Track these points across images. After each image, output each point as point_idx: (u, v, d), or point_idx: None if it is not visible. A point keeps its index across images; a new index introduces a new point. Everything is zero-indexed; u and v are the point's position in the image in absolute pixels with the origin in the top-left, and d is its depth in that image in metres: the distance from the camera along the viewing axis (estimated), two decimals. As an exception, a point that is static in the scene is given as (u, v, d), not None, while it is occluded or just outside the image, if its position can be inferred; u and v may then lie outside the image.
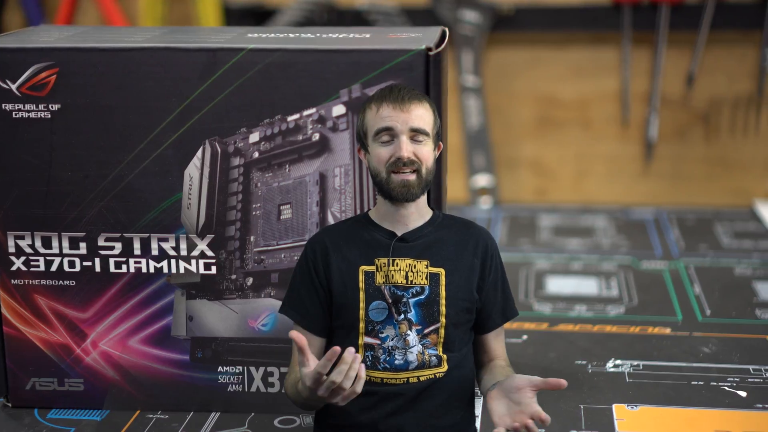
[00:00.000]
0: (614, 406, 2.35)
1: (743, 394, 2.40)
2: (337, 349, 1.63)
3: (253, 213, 2.24)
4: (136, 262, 2.27)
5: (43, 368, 2.33)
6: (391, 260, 1.85)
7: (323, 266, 1.88)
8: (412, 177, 1.81)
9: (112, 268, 2.27)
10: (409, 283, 1.85)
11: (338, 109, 2.17)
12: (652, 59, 4.16)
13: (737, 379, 2.48)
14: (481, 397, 1.91)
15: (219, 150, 2.21)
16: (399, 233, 1.87)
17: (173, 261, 2.26)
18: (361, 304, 1.85)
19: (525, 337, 2.77)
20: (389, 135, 1.82)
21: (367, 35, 2.28)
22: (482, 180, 4.25)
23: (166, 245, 2.25)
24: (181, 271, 2.27)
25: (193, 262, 2.26)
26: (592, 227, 3.86)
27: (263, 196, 2.23)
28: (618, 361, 2.60)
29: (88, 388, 2.34)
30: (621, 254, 3.51)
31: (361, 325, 1.85)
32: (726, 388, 2.44)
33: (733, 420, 2.28)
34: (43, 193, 2.24)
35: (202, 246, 2.25)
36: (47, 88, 2.19)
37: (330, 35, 2.28)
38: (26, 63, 2.18)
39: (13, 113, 2.21)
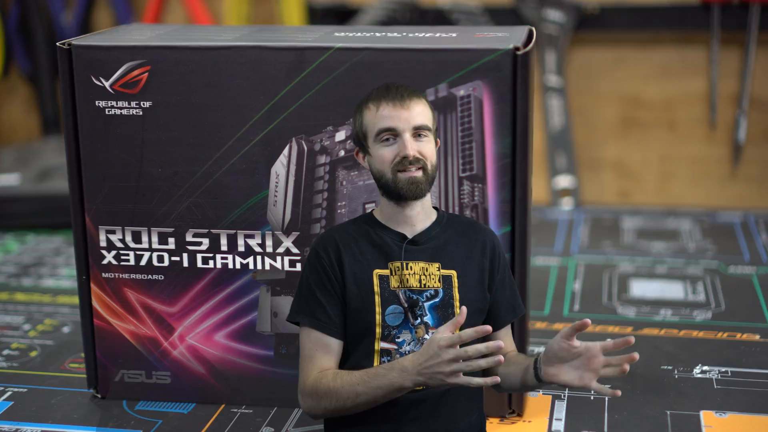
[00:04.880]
0: (702, 413, 2.30)
1: (837, 404, 2.34)
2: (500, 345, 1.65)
3: (338, 211, 2.25)
4: (222, 258, 2.30)
5: (131, 361, 2.38)
6: (404, 264, 1.82)
7: (337, 265, 1.83)
8: (419, 174, 1.79)
9: (199, 264, 2.31)
10: (423, 286, 1.82)
11: (425, 109, 2.16)
12: (741, 60, 4.06)
13: (830, 389, 2.42)
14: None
15: (305, 148, 2.23)
16: (408, 235, 1.84)
17: (259, 257, 2.29)
18: (378, 309, 1.81)
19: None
20: (391, 135, 1.80)
21: (454, 34, 2.28)
22: (564, 181, 4.20)
23: (252, 242, 2.28)
24: (267, 267, 2.29)
25: (279, 258, 2.28)
26: (678, 230, 3.79)
27: (348, 195, 2.24)
28: (705, 367, 2.55)
29: (174, 381, 2.38)
30: (707, 258, 3.43)
31: (378, 330, 1.81)
32: (818, 397, 2.38)
33: (826, 430, 2.22)
34: (134, 189, 2.29)
35: (287, 243, 2.27)
36: (139, 86, 2.24)
37: (416, 34, 2.28)
38: (120, 61, 2.23)
39: (106, 110, 2.26)
